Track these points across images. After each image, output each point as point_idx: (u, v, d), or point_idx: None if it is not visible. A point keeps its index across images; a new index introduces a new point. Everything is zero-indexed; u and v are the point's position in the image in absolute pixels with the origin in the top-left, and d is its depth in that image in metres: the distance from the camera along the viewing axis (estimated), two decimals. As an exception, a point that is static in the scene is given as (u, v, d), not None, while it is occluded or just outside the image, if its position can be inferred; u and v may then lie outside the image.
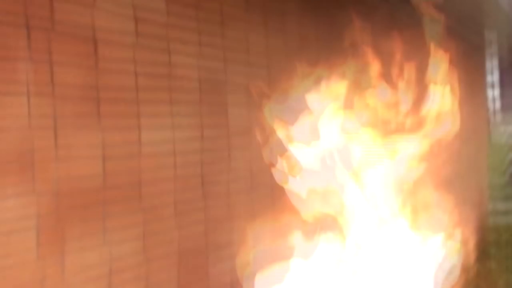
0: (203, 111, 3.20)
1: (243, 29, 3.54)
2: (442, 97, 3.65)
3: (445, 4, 6.54)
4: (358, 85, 4.01)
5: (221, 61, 3.36)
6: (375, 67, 4.39)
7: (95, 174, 2.55)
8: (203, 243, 3.15)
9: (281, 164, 3.50)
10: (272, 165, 3.56)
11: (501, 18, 7.93)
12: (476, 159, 8.73)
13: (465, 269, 6.92)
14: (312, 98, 2.50)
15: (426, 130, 3.12)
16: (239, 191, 3.36)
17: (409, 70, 5.09)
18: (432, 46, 4.41)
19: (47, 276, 2.34)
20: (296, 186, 3.38)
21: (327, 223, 3.59)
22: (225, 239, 3.31)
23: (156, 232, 2.87)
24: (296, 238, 3.48)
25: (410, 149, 5.78)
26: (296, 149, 3.15)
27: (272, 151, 3.57)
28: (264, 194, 3.58)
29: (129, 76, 2.74)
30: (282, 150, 3.57)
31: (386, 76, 4.85)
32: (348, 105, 3.59)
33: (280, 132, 2.47)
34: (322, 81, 2.27)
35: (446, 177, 7.20)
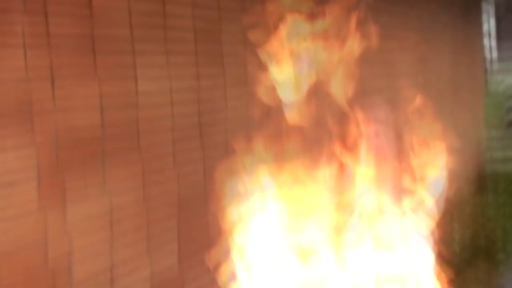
0: (199, 61, 3.23)
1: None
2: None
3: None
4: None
5: (215, 10, 3.37)
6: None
7: (93, 124, 2.58)
8: (202, 192, 3.21)
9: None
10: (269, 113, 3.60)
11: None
12: (473, 109, 8.80)
13: (462, 215, 7.06)
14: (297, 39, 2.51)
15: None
16: (237, 140, 3.41)
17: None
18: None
19: (49, 226, 2.39)
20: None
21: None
22: (224, 188, 3.37)
23: (156, 182, 2.92)
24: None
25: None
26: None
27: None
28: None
29: (124, 26, 2.76)
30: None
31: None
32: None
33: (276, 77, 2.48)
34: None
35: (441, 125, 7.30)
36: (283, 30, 3.71)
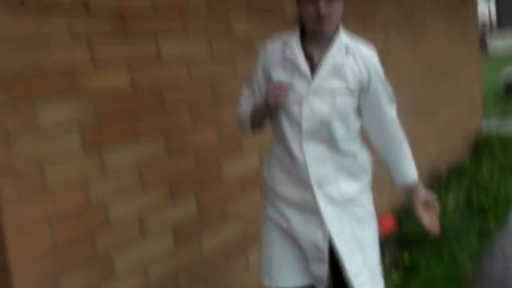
0: (210, 26, 3.51)
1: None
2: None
3: None
4: None
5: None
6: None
7: (125, 83, 2.93)
8: (216, 144, 3.53)
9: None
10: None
11: None
12: (469, 75, 8.83)
13: (458, 176, 7.26)
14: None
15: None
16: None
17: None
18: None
19: (90, 170, 2.75)
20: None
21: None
22: (234, 140, 3.69)
23: (176, 134, 3.25)
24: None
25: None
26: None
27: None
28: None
29: (148, -3, 3.09)
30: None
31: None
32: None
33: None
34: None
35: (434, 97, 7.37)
36: None
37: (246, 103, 2.72)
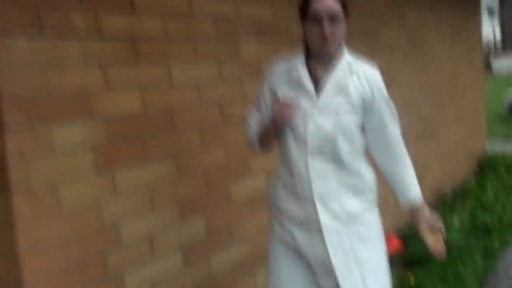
0: (219, 50, 3.58)
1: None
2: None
3: None
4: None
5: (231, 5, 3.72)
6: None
7: (136, 105, 2.99)
8: (225, 165, 3.59)
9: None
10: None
11: None
12: (473, 95, 8.80)
13: (464, 193, 7.27)
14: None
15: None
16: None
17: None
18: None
19: (102, 190, 2.81)
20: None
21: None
22: (242, 161, 3.75)
23: (186, 155, 3.31)
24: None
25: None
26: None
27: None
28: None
29: (159, 22, 3.15)
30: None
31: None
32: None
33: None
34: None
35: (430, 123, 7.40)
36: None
37: (254, 122, 2.78)
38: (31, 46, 2.50)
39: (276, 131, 2.63)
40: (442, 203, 6.78)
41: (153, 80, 3.10)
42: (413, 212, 2.74)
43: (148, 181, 3.06)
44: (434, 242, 2.67)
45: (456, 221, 5.88)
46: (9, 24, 2.42)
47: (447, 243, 2.70)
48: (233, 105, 3.66)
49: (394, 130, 2.69)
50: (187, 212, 3.31)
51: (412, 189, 2.72)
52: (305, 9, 2.54)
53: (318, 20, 2.48)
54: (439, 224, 2.67)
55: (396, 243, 5.16)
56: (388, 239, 4.97)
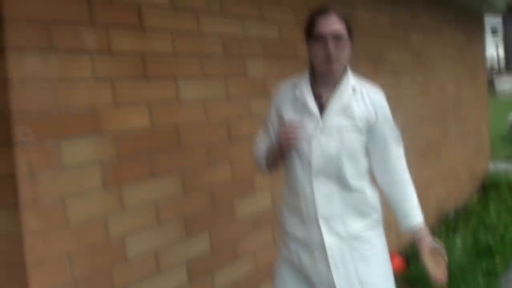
0: (226, 70, 3.63)
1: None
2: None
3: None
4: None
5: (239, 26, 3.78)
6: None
7: (144, 122, 3.03)
8: (230, 183, 3.62)
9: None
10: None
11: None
12: (477, 117, 8.87)
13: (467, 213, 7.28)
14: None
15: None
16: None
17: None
18: None
19: (110, 206, 2.84)
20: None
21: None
22: (248, 179, 3.79)
23: (193, 172, 3.34)
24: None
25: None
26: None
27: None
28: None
29: (168, 42, 3.20)
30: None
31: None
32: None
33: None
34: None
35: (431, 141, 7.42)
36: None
37: (262, 144, 2.82)
38: (43, 63, 2.54)
39: (282, 153, 2.68)
40: (445, 222, 6.79)
41: (161, 98, 3.14)
42: (415, 237, 2.72)
43: (154, 197, 3.09)
44: (436, 268, 2.65)
45: (458, 241, 5.89)
46: (22, 41, 2.46)
47: (448, 268, 2.67)
48: (240, 123, 3.70)
49: (396, 152, 2.71)
50: (192, 228, 3.34)
51: (413, 214, 2.70)
52: (310, 30, 2.59)
53: (322, 38, 2.53)
54: (441, 251, 2.65)
55: (398, 261, 5.17)
56: (390, 257, 4.98)
